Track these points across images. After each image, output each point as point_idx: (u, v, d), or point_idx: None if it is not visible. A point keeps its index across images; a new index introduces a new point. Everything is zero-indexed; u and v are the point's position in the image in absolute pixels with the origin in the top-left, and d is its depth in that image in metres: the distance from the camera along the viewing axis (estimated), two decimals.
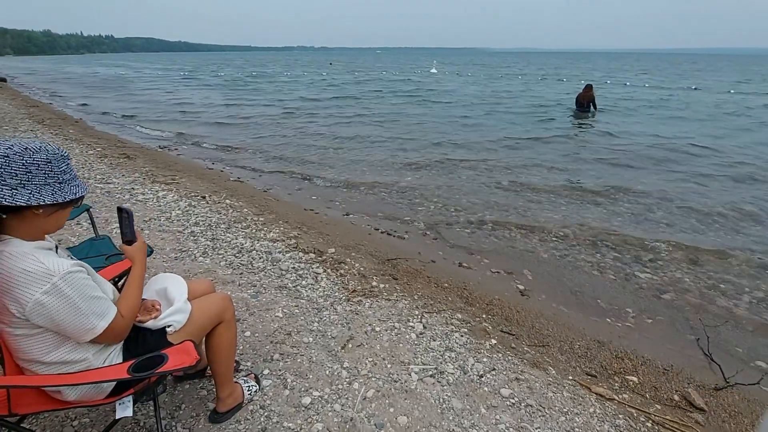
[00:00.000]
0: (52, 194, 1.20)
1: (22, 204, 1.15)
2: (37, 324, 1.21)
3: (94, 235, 2.76)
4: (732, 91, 22.63)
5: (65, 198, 1.23)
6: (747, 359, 2.88)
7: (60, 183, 1.23)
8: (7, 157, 1.14)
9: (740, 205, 5.64)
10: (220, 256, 3.49)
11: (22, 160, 1.15)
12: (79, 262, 1.29)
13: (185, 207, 4.63)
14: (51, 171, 1.20)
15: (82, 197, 1.29)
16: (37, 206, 1.19)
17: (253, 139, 9.89)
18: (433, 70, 41.64)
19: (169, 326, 1.55)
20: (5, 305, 1.18)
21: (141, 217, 4.10)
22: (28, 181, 1.16)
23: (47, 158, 1.20)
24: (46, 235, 1.32)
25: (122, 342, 1.46)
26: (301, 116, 13.24)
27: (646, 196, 5.99)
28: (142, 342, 1.49)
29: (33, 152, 1.17)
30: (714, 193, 6.21)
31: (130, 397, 1.40)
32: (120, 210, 1.55)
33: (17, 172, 1.15)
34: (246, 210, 4.76)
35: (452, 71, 41.61)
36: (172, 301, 1.63)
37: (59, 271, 1.19)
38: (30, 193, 1.16)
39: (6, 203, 1.13)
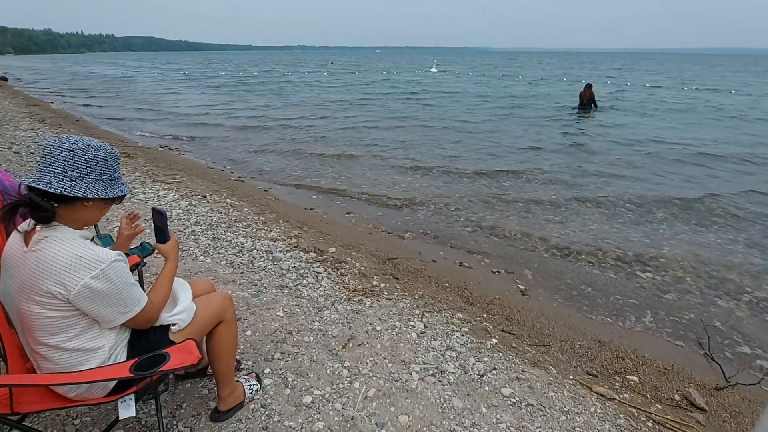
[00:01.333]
0: (104, 189, 1.30)
1: (80, 195, 1.24)
2: (77, 306, 1.28)
3: (96, 234, 2.76)
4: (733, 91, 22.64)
5: (114, 194, 1.33)
6: (748, 359, 2.88)
7: (111, 180, 1.33)
8: (72, 151, 1.24)
9: (742, 205, 5.64)
10: (221, 256, 3.49)
11: (85, 155, 1.25)
12: (119, 252, 1.36)
13: (186, 206, 4.63)
14: (106, 168, 1.30)
15: (124, 195, 1.39)
16: (89, 199, 1.27)
17: (253, 138, 9.89)
18: (433, 70, 41.60)
19: (174, 324, 1.56)
20: (45, 287, 1.23)
21: (142, 217, 4.09)
22: (87, 175, 1.26)
23: (105, 156, 1.30)
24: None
25: (127, 339, 1.47)
26: (301, 116, 13.24)
27: (647, 197, 5.99)
28: (145, 340, 1.50)
29: (95, 150, 1.28)
30: (715, 191, 6.20)
31: (132, 396, 1.41)
32: (155, 211, 1.63)
33: (79, 166, 1.24)
34: (247, 209, 4.76)
35: (453, 71, 41.54)
36: (177, 299, 1.64)
37: (107, 259, 1.28)
38: (87, 186, 1.26)
39: (65, 193, 1.22)
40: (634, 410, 2.19)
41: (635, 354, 2.79)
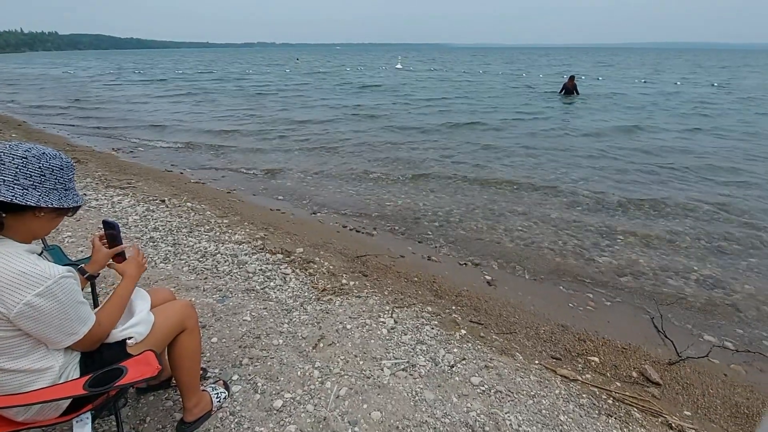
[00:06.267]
0: (59, 199, 1.24)
1: (32, 204, 1.18)
2: (19, 326, 1.20)
3: (44, 246, 2.59)
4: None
5: (69, 204, 1.27)
6: (696, 334, 3.09)
7: (66, 190, 1.27)
8: (26, 158, 1.18)
9: (689, 192, 6.02)
10: (183, 262, 3.37)
11: (39, 163, 1.20)
12: (68, 267, 1.28)
13: (143, 212, 4.43)
14: (61, 177, 1.25)
15: (79, 206, 1.33)
16: (42, 209, 1.22)
17: (216, 140, 9.59)
18: (398, 66, 41.78)
19: (130, 338, 1.49)
20: None
21: (95, 225, 3.89)
22: (41, 183, 1.20)
23: (61, 165, 1.25)
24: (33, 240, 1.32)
25: (79, 357, 1.40)
26: (265, 118, 12.96)
27: (602, 183, 6.28)
28: (99, 356, 1.43)
29: (50, 158, 1.23)
30: (670, 182, 6.58)
31: (89, 414, 1.34)
32: (106, 224, 1.55)
33: (32, 174, 1.19)
34: (209, 212, 4.61)
35: (418, 68, 41.76)
36: (134, 311, 1.57)
37: (54, 275, 1.20)
38: (40, 195, 1.20)
39: (16, 202, 1.15)
40: (596, 389, 2.30)
41: (595, 336, 2.93)
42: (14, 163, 1.16)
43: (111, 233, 1.55)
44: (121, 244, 1.58)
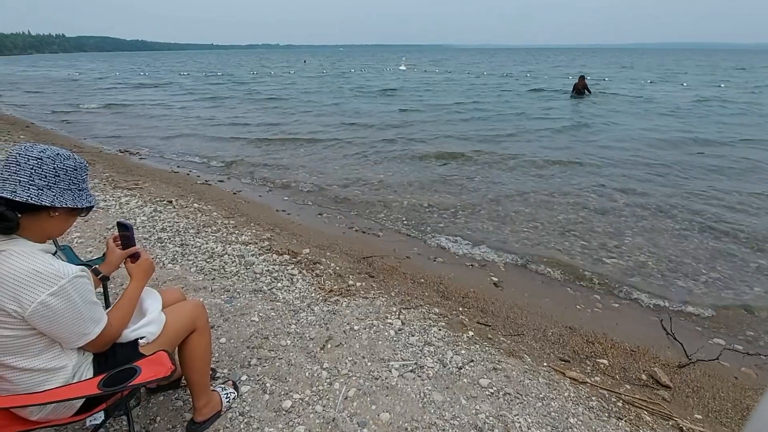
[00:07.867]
0: (73, 199, 1.26)
1: (47, 204, 1.19)
2: (33, 325, 1.21)
3: (57, 247, 2.61)
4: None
5: (83, 204, 1.29)
6: (706, 336, 3.06)
7: (80, 190, 1.29)
8: (40, 159, 1.20)
9: (696, 193, 5.97)
10: (190, 262, 3.38)
11: (54, 164, 1.22)
12: (82, 267, 1.30)
13: (150, 213, 4.46)
14: (75, 178, 1.27)
15: (92, 207, 1.35)
16: (56, 209, 1.23)
17: (221, 141, 9.64)
18: (402, 68, 41.83)
19: (141, 338, 1.50)
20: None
21: (103, 225, 3.91)
22: (55, 184, 1.22)
23: (74, 166, 1.27)
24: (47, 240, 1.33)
25: (92, 357, 1.41)
26: (270, 120, 13.01)
27: (608, 185, 6.25)
28: (112, 356, 1.44)
29: (64, 159, 1.25)
30: (673, 181, 6.54)
31: (102, 413, 1.35)
32: (120, 225, 1.57)
33: (47, 174, 1.20)
34: (215, 213, 4.63)
35: (423, 70, 41.75)
36: (145, 312, 1.58)
37: (68, 274, 1.21)
38: (54, 195, 1.21)
39: (32, 202, 1.17)
40: (605, 392, 2.28)
41: (604, 338, 2.91)
42: (29, 164, 1.18)
43: (125, 234, 1.57)
44: (135, 245, 1.59)
